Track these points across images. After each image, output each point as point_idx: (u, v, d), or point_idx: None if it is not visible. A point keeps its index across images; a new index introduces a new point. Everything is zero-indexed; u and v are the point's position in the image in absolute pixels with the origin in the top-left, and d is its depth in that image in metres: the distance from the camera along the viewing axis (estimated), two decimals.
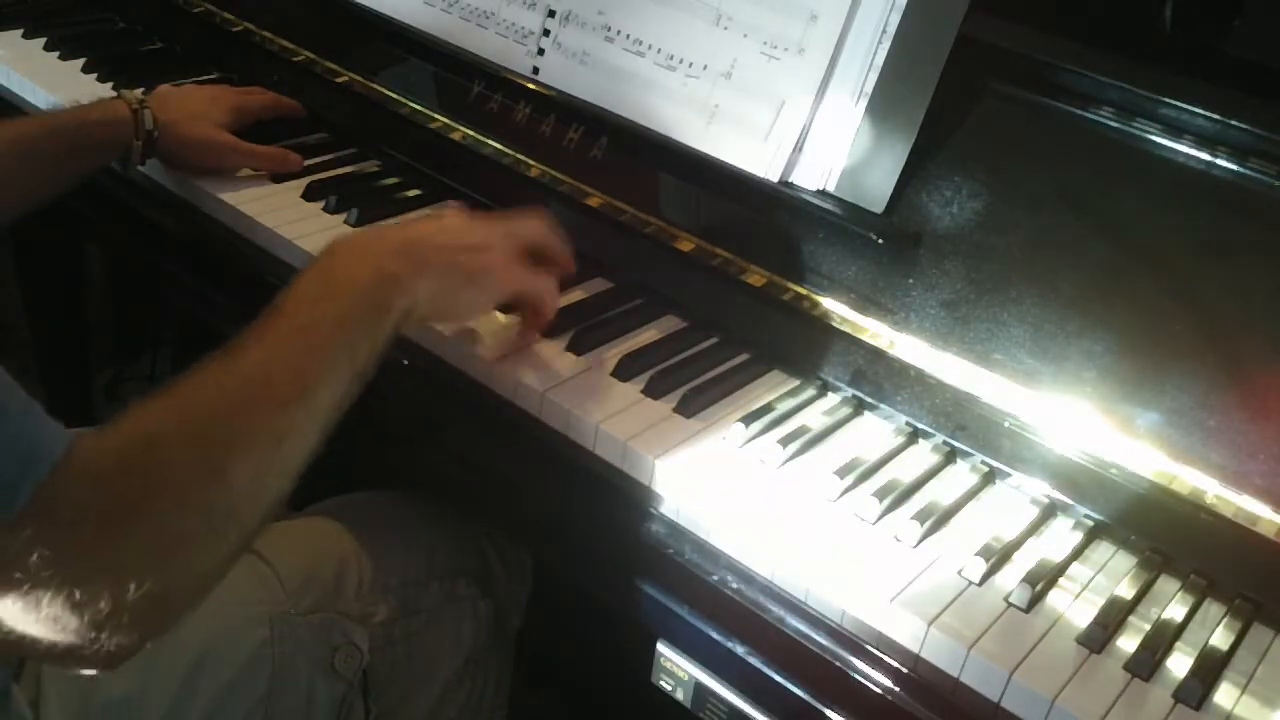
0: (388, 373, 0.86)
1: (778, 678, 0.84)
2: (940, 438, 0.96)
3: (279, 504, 0.76)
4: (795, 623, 0.83)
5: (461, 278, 0.89)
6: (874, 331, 0.97)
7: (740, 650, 0.85)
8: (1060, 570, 0.84)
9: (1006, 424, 0.91)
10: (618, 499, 0.91)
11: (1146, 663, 0.76)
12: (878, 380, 0.98)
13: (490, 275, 0.91)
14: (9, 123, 1.21)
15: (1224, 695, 0.76)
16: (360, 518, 1.12)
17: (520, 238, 0.95)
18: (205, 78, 1.37)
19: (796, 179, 1.03)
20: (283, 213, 1.15)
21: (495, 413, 0.97)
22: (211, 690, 0.95)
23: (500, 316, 1.00)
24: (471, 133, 1.21)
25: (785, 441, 0.91)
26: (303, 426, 0.76)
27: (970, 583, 0.82)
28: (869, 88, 1.00)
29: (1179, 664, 0.77)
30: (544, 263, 0.98)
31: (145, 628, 0.68)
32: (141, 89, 1.22)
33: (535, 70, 1.17)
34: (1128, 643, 0.78)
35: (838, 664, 0.81)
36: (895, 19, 0.98)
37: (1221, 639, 0.79)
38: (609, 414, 0.93)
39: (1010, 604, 0.80)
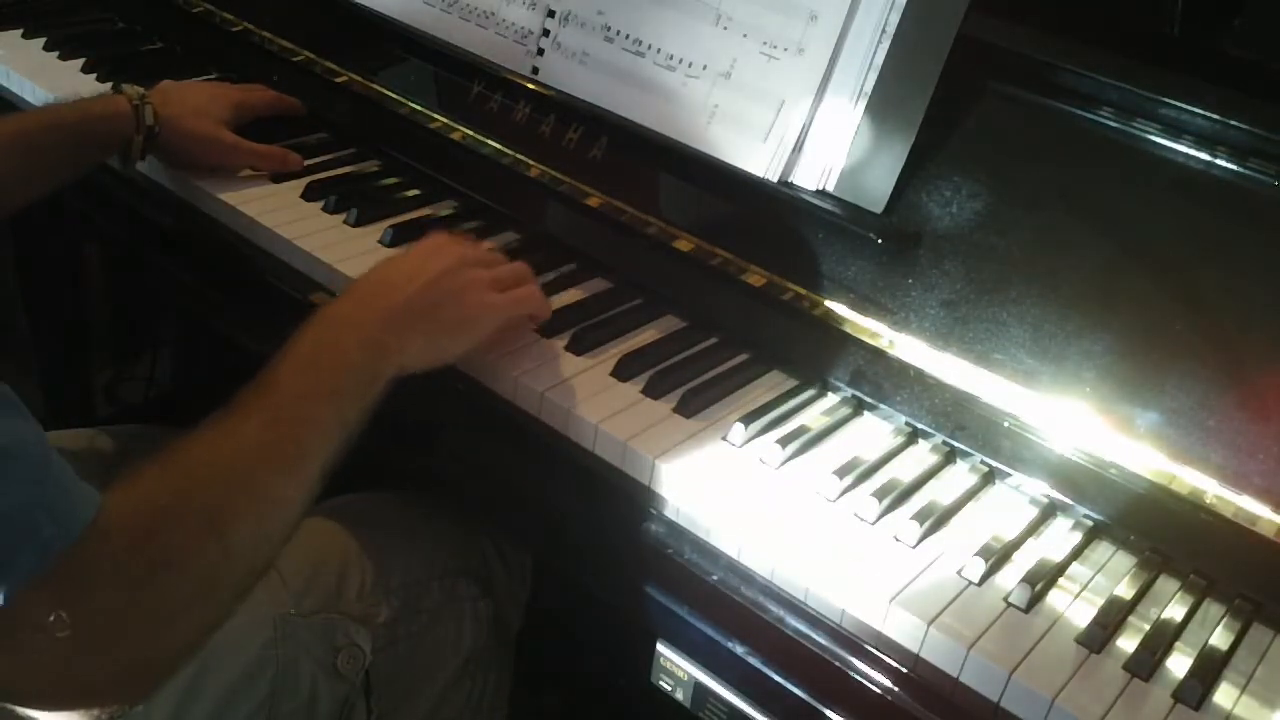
0: None
1: (777, 678, 0.84)
2: (940, 438, 0.96)
3: (268, 567, 0.78)
4: (795, 623, 0.83)
5: (448, 330, 0.91)
6: (873, 331, 0.97)
7: (740, 650, 0.85)
8: (1060, 570, 0.84)
9: (1006, 424, 0.91)
10: (617, 499, 0.91)
11: (1146, 663, 0.76)
12: (877, 380, 0.98)
13: (475, 321, 0.92)
14: (10, 117, 1.21)
15: (1224, 695, 0.76)
16: (362, 518, 1.12)
17: (486, 259, 0.97)
18: (205, 77, 1.37)
19: (796, 179, 1.03)
20: (282, 213, 1.15)
21: (495, 413, 0.97)
22: (216, 692, 0.95)
23: None
24: (471, 133, 1.21)
25: (785, 441, 0.91)
26: (296, 493, 0.78)
27: (970, 583, 0.82)
28: (868, 88, 1.00)
29: (1179, 664, 0.77)
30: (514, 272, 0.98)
31: (133, 692, 0.70)
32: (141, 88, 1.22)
33: (535, 70, 1.17)
34: (1127, 643, 0.78)
35: (837, 664, 0.81)
36: (895, 19, 0.98)
37: (1221, 639, 0.79)
38: (609, 414, 0.93)
39: (1010, 604, 0.80)
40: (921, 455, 0.95)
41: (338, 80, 1.31)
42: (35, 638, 0.64)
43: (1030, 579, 0.81)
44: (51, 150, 1.13)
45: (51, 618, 0.63)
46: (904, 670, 0.79)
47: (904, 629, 0.78)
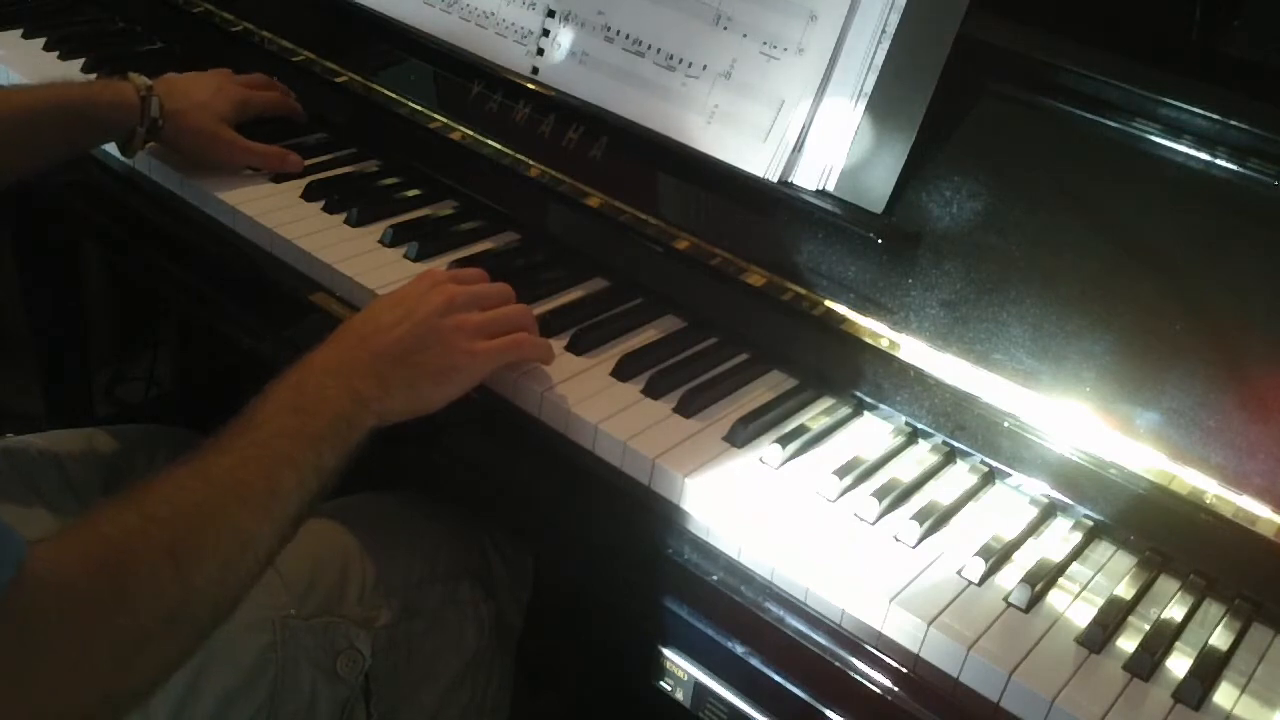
0: None
1: (777, 678, 0.84)
2: (940, 438, 0.96)
3: (236, 606, 0.76)
4: (795, 623, 0.83)
5: (431, 378, 0.89)
6: (873, 331, 0.97)
7: (740, 650, 0.85)
8: (1060, 570, 0.84)
9: (1006, 424, 0.91)
10: (617, 499, 0.91)
11: (1146, 663, 0.76)
12: (877, 380, 0.98)
13: (459, 370, 0.91)
14: (18, 90, 1.21)
15: (1223, 695, 0.76)
16: (362, 520, 1.12)
17: (481, 298, 0.95)
18: None
19: (796, 179, 1.03)
20: (282, 212, 1.15)
21: (495, 413, 0.97)
22: (215, 694, 0.95)
23: None
24: (471, 132, 1.21)
25: (784, 441, 0.91)
26: (267, 534, 0.77)
27: (970, 583, 0.82)
28: (868, 88, 1.00)
29: (1178, 664, 0.77)
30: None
31: None
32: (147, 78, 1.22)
33: (535, 70, 1.17)
34: (1127, 643, 0.78)
35: (837, 664, 0.81)
36: (895, 19, 0.98)
37: (1221, 639, 0.79)
38: (608, 414, 0.93)
39: (1010, 604, 0.80)
40: (921, 455, 0.95)
41: (338, 80, 1.31)
42: None
43: (1030, 579, 0.81)
44: (53, 129, 1.13)
45: None
46: (904, 670, 0.79)
47: (904, 629, 0.78)
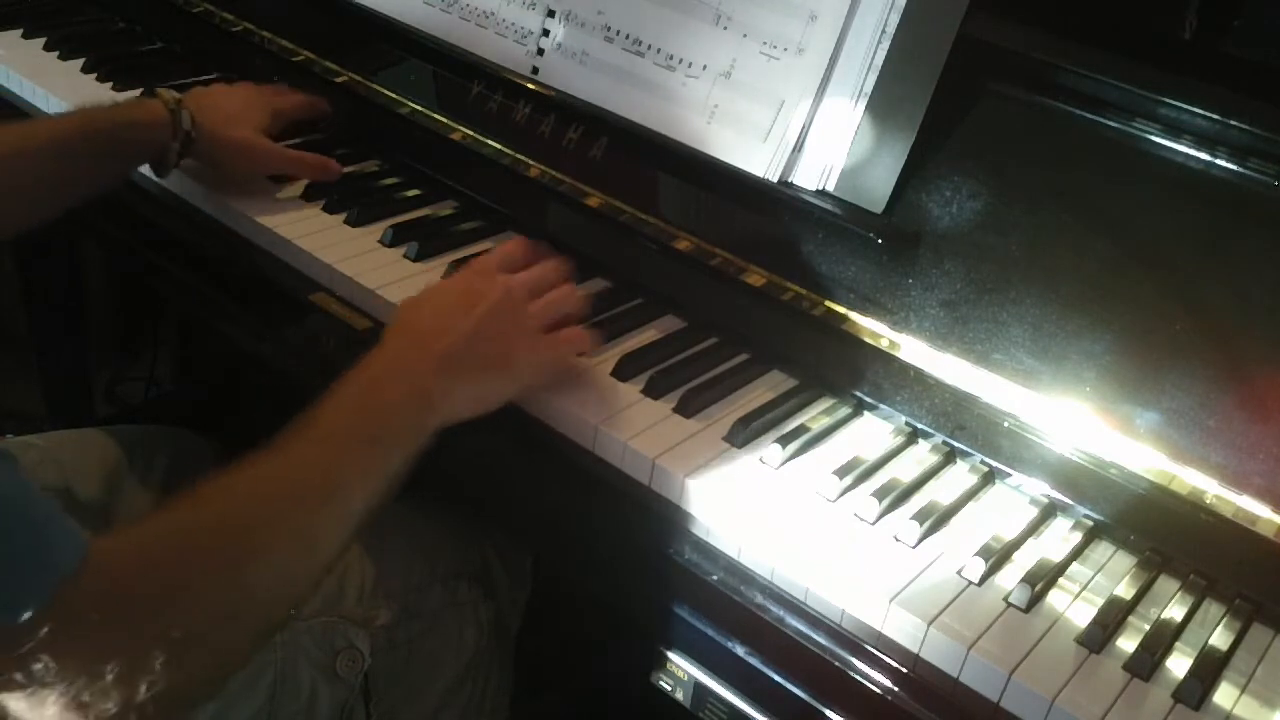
0: None
1: (777, 678, 0.84)
2: (940, 438, 0.96)
3: (296, 606, 0.76)
4: (795, 623, 0.83)
5: (495, 380, 0.89)
6: (873, 331, 0.97)
7: (740, 650, 0.85)
8: (1060, 570, 0.84)
9: (1006, 424, 0.91)
10: (618, 499, 0.91)
11: (1146, 663, 0.76)
12: (877, 380, 0.98)
13: (522, 369, 0.90)
14: (41, 121, 1.19)
15: (1223, 695, 0.76)
16: None
17: (533, 282, 0.94)
18: (205, 77, 1.37)
19: (796, 179, 1.03)
20: (282, 212, 1.15)
21: (495, 414, 0.97)
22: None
23: None
24: (471, 132, 1.21)
25: (784, 441, 0.91)
26: (331, 533, 0.76)
27: (970, 583, 0.82)
28: (868, 88, 1.00)
29: (1178, 664, 0.77)
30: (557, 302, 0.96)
31: None
32: (142, 89, 1.21)
33: (535, 70, 1.17)
34: (1127, 643, 0.78)
35: (837, 664, 0.81)
36: (895, 19, 0.98)
37: (1221, 639, 0.79)
38: (609, 414, 0.93)
39: (1010, 604, 0.80)
40: (921, 455, 0.95)
41: (338, 80, 1.31)
42: (21, 685, 0.62)
43: (1030, 579, 0.81)
44: (84, 159, 1.08)
45: (38, 665, 0.61)
46: (904, 670, 0.79)
47: (904, 629, 0.78)
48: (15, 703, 0.62)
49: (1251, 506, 0.82)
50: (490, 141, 1.19)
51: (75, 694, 0.63)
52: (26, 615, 0.61)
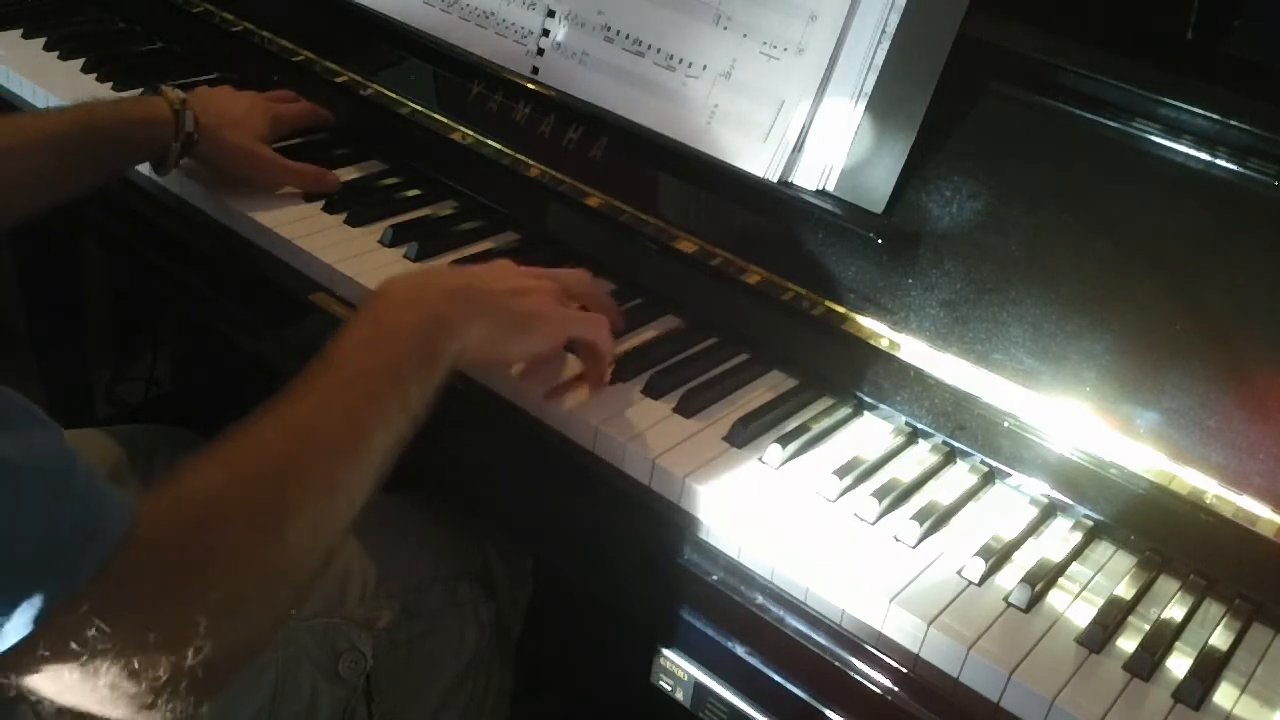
0: None
1: (777, 678, 0.84)
2: (940, 438, 0.96)
3: (331, 557, 0.74)
4: (795, 623, 0.83)
5: (512, 322, 0.87)
6: (873, 331, 0.97)
7: (740, 650, 0.85)
8: (1060, 570, 0.84)
9: (1006, 424, 0.91)
10: (617, 499, 0.91)
11: (1146, 663, 0.76)
12: (877, 380, 0.98)
13: (540, 319, 0.89)
14: (45, 115, 1.18)
15: (1223, 695, 0.76)
16: (364, 520, 1.11)
17: (566, 285, 0.94)
18: (205, 77, 1.37)
19: (796, 179, 1.03)
20: (282, 212, 1.15)
21: (495, 413, 0.97)
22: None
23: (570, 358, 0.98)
24: (471, 133, 1.21)
25: (785, 441, 0.91)
26: (357, 478, 0.74)
27: (970, 583, 0.82)
28: (868, 88, 1.00)
29: (1178, 664, 0.77)
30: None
31: (200, 692, 0.67)
32: (143, 89, 1.21)
33: (535, 70, 1.17)
34: (1127, 643, 0.78)
35: (837, 664, 0.81)
36: (895, 19, 0.98)
37: (1221, 639, 0.79)
38: (608, 414, 0.93)
39: (1010, 604, 0.80)
40: (921, 455, 0.95)
41: (337, 80, 1.31)
42: (77, 655, 0.61)
43: (1030, 579, 0.81)
44: (85, 153, 1.08)
45: (91, 632, 0.61)
46: (904, 670, 0.79)
47: (904, 629, 0.78)
48: (70, 674, 0.62)
49: (1251, 506, 0.82)
50: (490, 141, 1.19)
51: (127, 661, 0.62)
52: (83, 582, 0.60)
